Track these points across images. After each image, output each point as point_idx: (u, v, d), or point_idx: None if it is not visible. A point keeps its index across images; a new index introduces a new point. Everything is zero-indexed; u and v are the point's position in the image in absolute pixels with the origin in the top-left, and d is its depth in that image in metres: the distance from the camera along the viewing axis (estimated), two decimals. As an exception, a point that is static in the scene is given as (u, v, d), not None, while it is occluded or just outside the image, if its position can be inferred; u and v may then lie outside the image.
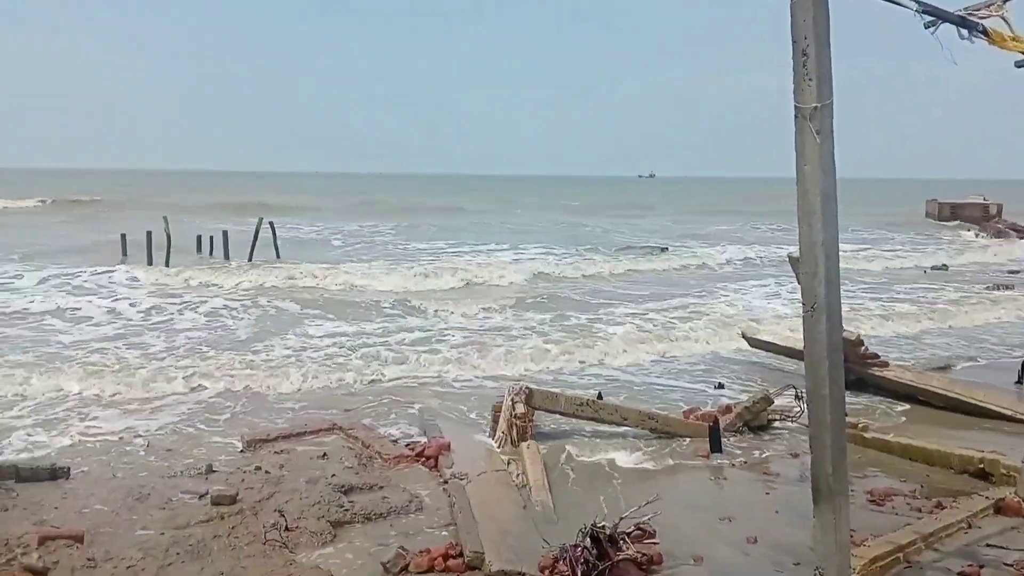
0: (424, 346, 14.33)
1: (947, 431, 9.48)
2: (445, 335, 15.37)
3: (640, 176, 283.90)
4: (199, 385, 11.44)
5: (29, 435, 9.36)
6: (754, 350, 13.71)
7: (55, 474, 7.65)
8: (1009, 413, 9.92)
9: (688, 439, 9.08)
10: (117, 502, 6.97)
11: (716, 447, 8.71)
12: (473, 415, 10.38)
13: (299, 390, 11.48)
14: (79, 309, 17.33)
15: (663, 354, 14.03)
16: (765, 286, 22.73)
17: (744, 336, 13.91)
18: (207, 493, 7.09)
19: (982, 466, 7.74)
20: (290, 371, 12.21)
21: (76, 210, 54.17)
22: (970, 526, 6.54)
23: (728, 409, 9.78)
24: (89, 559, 5.83)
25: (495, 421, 9.22)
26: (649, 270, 26.62)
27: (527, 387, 9.14)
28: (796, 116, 5.21)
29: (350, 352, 13.76)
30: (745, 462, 8.52)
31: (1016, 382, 11.78)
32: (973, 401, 10.26)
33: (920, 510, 6.97)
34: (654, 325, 16.46)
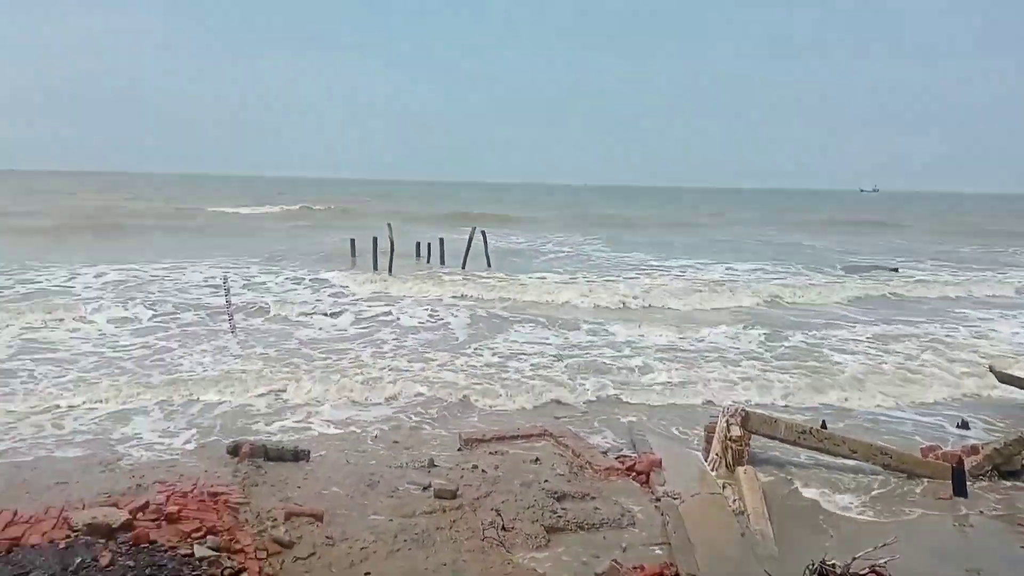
0: (633, 360, 14.24)
1: None
2: (653, 351, 15.17)
3: (863, 191, 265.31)
4: (421, 383, 12.09)
5: (274, 420, 10.39)
6: (1004, 387, 12.26)
7: (297, 456, 8.41)
8: None
9: (926, 479, 8.29)
10: (351, 487, 7.54)
11: (960, 491, 7.89)
12: (675, 430, 10.23)
13: (510, 396, 11.77)
14: (313, 309, 18.95)
15: (892, 384, 12.91)
16: (1016, 317, 20.31)
17: (992, 371, 12.48)
18: (430, 486, 7.48)
19: None
20: (501, 375, 12.68)
21: (312, 217, 59.64)
22: None
23: (974, 450, 8.82)
24: (328, 537, 6.34)
25: (708, 442, 8.96)
26: (879, 294, 24.56)
27: (743, 409, 8.79)
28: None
29: (558, 361, 14.00)
30: (995, 510, 7.64)
31: None
32: None
33: None
34: (883, 353, 15.24)
